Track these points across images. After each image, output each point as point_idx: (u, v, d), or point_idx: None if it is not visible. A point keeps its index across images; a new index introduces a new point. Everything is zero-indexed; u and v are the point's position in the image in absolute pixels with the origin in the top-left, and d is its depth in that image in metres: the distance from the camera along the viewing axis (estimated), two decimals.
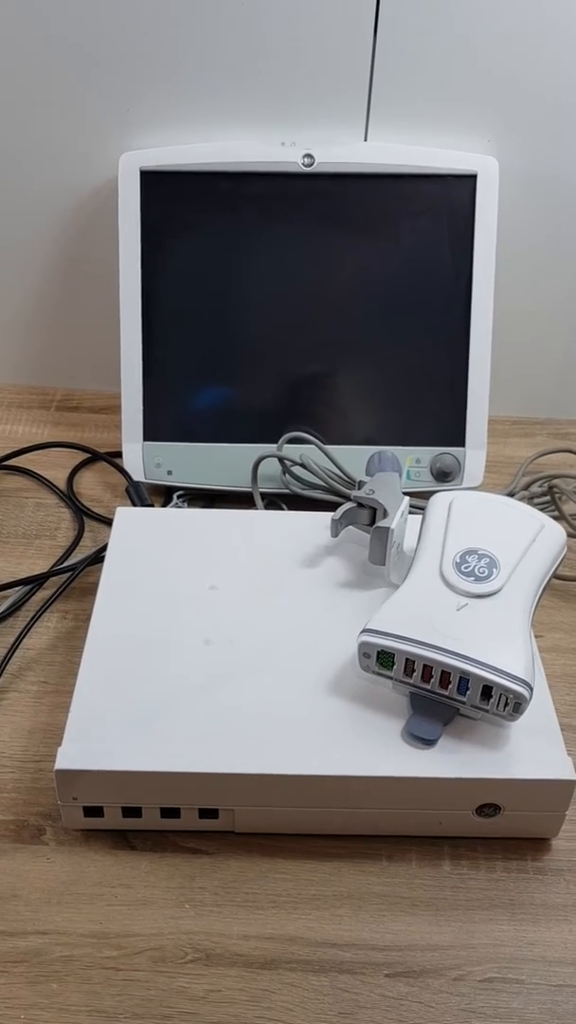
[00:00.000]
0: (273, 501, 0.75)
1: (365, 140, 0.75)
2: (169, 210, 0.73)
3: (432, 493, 0.63)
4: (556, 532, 0.60)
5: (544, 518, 0.60)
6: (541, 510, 0.64)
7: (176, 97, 0.73)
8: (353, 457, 0.72)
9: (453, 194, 0.73)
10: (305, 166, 0.72)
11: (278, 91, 0.73)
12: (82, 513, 0.74)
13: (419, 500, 0.67)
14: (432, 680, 0.52)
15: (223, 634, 0.58)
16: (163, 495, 0.76)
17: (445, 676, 0.52)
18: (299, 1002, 0.47)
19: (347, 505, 0.63)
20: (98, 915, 0.50)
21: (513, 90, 0.72)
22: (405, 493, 0.65)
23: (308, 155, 0.72)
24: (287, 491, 0.73)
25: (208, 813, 0.52)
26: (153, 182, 0.73)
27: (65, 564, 0.69)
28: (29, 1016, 0.46)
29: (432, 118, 0.74)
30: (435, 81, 0.72)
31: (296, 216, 0.73)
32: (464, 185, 0.73)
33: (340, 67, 0.72)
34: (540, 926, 0.50)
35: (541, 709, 0.54)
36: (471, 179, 0.73)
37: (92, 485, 0.78)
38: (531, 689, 0.51)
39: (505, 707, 0.51)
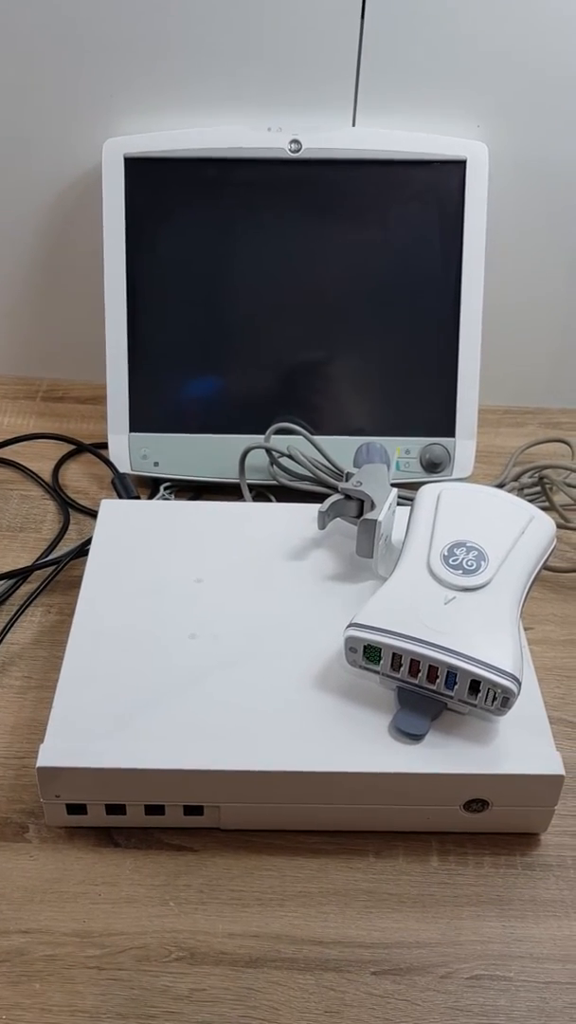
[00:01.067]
0: (261, 492, 0.74)
1: (353, 126, 0.73)
2: (154, 197, 0.72)
3: (422, 484, 0.62)
4: (545, 523, 0.59)
5: (533, 509, 0.59)
6: (532, 501, 0.63)
7: (161, 83, 0.72)
8: (341, 448, 0.71)
9: (442, 180, 0.72)
10: (292, 152, 0.71)
11: (264, 76, 0.72)
12: (67, 505, 0.73)
13: (408, 491, 0.67)
14: (419, 675, 0.52)
15: (209, 628, 0.57)
16: (149, 487, 0.76)
17: (433, 671, 0.51)
18: (285, 1000, 0.46)
19: (334, 497, 0.62)
20: (81, 913, 0.49)
21: (503, 75, 0.71)
22: (395, 484, 0.64)
23: (295, 141, 0.71)
24: (275, 482, 0.73)
25: (193, 810, 0.52)
26: (138, 169, 0.72)
27: (50, 557, 0.68)
28: (11, 1016, 0.45)
29: (421, 103, 0.73)
30: (424, 66, 0.71)
31: (283, 203, 0.72)
32: (453, 171, 0.72)
33: (327, 52, 0.71)
34: (528, 922, 0.50)
35: (530, 703, 0.53)
36: (460, 165, 0.72)
37: (78, 477, 0.77)
38: (519, 684, 0.50)
39: (493, 702, 0.51)
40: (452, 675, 0.51)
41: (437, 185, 0.72)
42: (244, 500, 0.71)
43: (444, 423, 0.75)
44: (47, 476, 0.76)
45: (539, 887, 0.51)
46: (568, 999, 0.47)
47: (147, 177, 0.72)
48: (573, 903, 0.51)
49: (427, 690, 0.52)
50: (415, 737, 0.51)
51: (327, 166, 0.72)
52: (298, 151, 0.71)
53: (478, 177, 0.72)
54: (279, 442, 0.71)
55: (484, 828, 0.53)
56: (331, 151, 0.71)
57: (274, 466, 0.72)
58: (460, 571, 0.55)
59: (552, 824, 0.53)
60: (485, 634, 0.52)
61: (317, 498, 0.66)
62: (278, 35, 0.70)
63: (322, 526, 0.63)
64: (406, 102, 0.72)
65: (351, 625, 0.53)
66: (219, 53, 0.71)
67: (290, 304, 0.74)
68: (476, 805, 0.52)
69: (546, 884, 0.51)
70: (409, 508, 0.61)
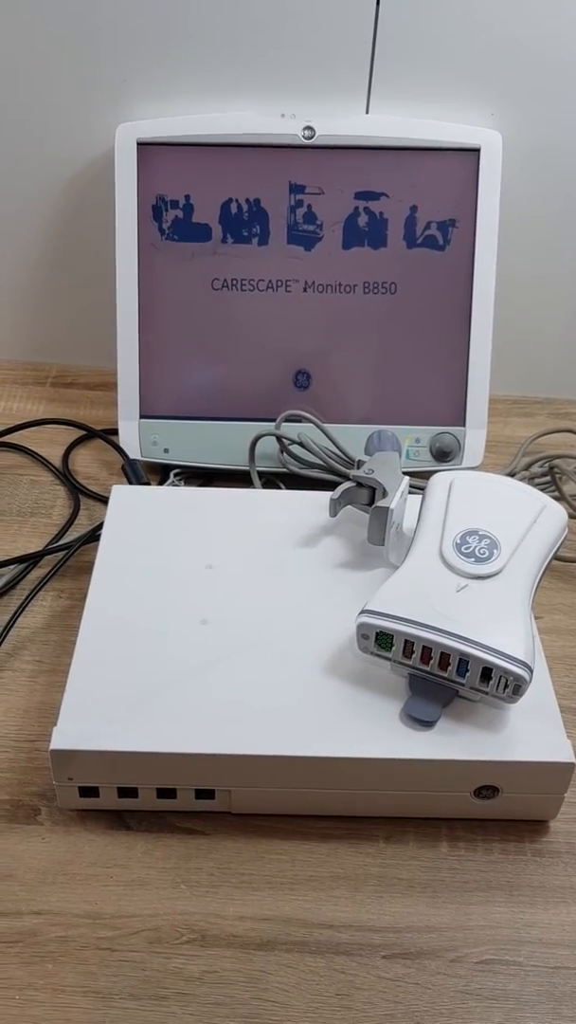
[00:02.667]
0: (271, 480, 0.74)
1: (367, 112, 0.73)
2: (166, 182, 0.72)
3: (432, 473, 0.62)
4: (557, 513, 0.59)
5: (545, 499, 0.59)
6: (542, 490, 0.63)
7: (174, 67, 0.72)
8: (352, 436, 0.71)
9: (456, 168, 0.72)
10: (306, 138, 0.71)
11: (278, 62, 0.71)
12: (77, 491, 0.73)
13: (419, 480, 0.67)
14: (431, 662, 0.52)
15: (220, 614, 0.57)
16: (159, 473, 0.76)
17: (444, 658, 0.51)
18: (295, 983, 0.47)
19: (346, 485, 0.63)
20: (93, 896, 0.50)
21: (517, 63, 0.71)
22: (404, 473, 0.64)
23: (309, 127, 0.71)
24: (285, 470, 0.73)
25: (204, 794, 0.52)
26: (151, 154, 0.72)
27: (60, 542, 0.68)
28: (24, 996, 0.46)
29: (435, 91, 0.72)
30: (438, 53, 0.71)
31: (295, 189, 0.72)
32: (467, 159, 0.72)
33: (342, 38, 0.70)
34: (538, 908, 0.50)
35: (541, 691, 0.53)
36: (474, 153, 0.72)
37: (88, 463, 0.77)
38: (531, 671, 0.50)
39: (505, 689, 0.51)
40: (464, 662, 0.51)
41: (450, 173, 0.72)
42: (254, 487, 0.71)
43: (455, 412, 0.75)
44: (57, 462, 0.76)
45: (548, 873, 0.52)
46: None
47: (160, 162, 0.72)
48: None
49: (439, 677, 0.52)
50: (426, 724, 0.52)
51: (340, 152, 0.71)
52: (312, 137, 0.71)
53: (491, 165, 0.72)
54: (289, 429, 0.71)
55: (494, 815, 0.53)
56: (344, 138, 0.71)
57: (284, 454, 0.72)
58: (472, 559, 0.55)
59: (561, 811, 0.53)
60: (497, 622, 0.52)
61: (327, 486, 0.66)
62: (292, 21, 0.70)
63: (333, 514, 0.63)
64: (420, 90, 0.72)
65: (363, 612, 0.53)
66: (233, 39, 0.71)
67: (302, 291, 0.74)
68: (486, 792, 0.52)
69: (555, 871, 0.52)
70: (420, 496, 0.61)
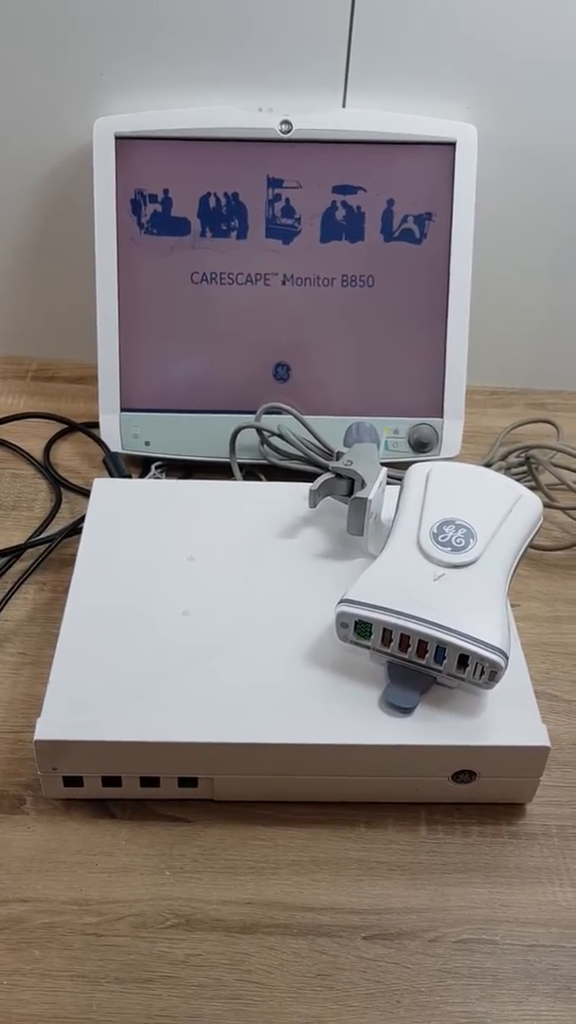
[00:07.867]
0: (251, 472, 0.75)
1: (343, 107, 0.74)
2: (144, 176, 0.72)
3: (410, 464, 0.63)
4: (532, 502, 0.60)
5: (521, 488, 0.60)
6: (518, 480, 0.64)
7: (152, 61, 0.72)
8: (331, 427, 0.72)
9: (432, 162, 0.73)
10: (283, 133, 0.72)
11: (256, 56, 0.72)
12: (59, 484, 0.74)
13: (397, 471, 0.68)
14: (409, 649, 0.53)
15: (201, 605, 0.58)
16: (141, 466, 0.76)
17: (422, 645, 0.52)
18: (278, 965, 0.48)
19: (325, 476, 0.63)
20: (79, 883, 0.50)
21: (493, 57, 0.72)
22: (383, 464, 0.65)
23: (286, 121, 0.72)
24: (265, 462, 0.73)
25: (187, 782, 0.53)
26: (129, 148, 0.72)
27: (42, 535, 0.69)
28: (11, 982, 0.46)
29: (411, 85, 0.73)
30: (414, 47, 0.71)
31: (273, 183, 0.73)
32: (443, 153, 0.73)
33: (318, 32, 0.71)
34: (514, 889, 0.51)
35: (516, 677, 0.54)
36: (450, 147, 0.72)
37: (69, 456, 0.77)
38: (507, 658, 0.51)
39: (481, 676, 0.52)
40: (441, 650, 0.52)
41: (426, 167, 0.73)
42: (235, 479, 0.72)
43: (432, 403, 0.76)
44: (38, 455, 0.76)
45: (524, 855, 0.53)
46: (551, 961, 0.48)
47: (138, 156, 0.72)
48: (556, 870, 0.52)
49: (416, 664, 0.53)
50: (405, 710, 0.53)
51: (317, 146, 0.72)
52: (289, 132, 0.72)
53: (467, 159, 0.73)
54: (269, 422, 0.72)
55: (472, 798, 0.54)
56: (322, 132, 0.72)
57: (264, 445, 0.73)
58: (449, 548, 0.56)
59: (537, 794, 0.54)
60: (473, 610, 0.53)
61: (307, 477, 0.67)
62: (269, 15, 0.70)
63: (313, 504, 0.63)
64: (396, 84, 0.73)
65: (342, 601, 0.54)
66: (211, 33, 0.71)
67: (280, 284, 0.74)
68: (464, 776, 0.53)
69: (531, 852, 0.53)
70: (398, 487, 0.62)
